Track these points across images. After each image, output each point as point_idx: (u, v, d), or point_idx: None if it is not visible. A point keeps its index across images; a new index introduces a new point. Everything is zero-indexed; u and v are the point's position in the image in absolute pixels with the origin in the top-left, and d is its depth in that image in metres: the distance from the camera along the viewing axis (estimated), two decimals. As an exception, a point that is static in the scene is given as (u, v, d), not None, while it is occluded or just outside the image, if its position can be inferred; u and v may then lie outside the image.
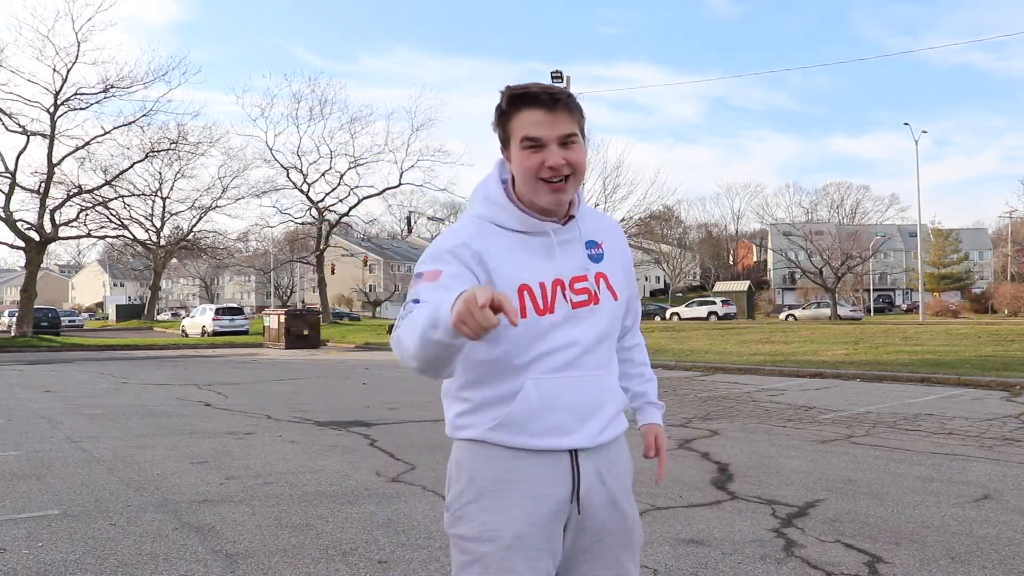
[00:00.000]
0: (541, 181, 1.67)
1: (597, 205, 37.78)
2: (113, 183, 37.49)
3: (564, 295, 1.72)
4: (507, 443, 1.70)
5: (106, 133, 35.41)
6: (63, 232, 36.16)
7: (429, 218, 66.09)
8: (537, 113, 1.67)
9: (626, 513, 1.83)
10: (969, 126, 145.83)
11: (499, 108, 1.71)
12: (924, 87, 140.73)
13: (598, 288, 1.77)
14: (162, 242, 48.94)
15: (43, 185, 33.79)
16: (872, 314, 63.61)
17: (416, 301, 1.57)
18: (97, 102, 35.11)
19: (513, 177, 1.77)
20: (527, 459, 1.71)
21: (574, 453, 1.73)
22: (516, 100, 1.69)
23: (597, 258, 1.80)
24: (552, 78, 26.55)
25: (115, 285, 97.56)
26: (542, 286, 1.70)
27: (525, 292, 1.68)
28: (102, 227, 40.10)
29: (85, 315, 71.22)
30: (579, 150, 1.70)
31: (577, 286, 1.74)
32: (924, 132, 43.86)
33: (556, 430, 1.71)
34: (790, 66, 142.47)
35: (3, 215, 31.96)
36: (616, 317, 1.82)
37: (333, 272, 49.34)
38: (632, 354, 2.01)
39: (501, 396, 1.70)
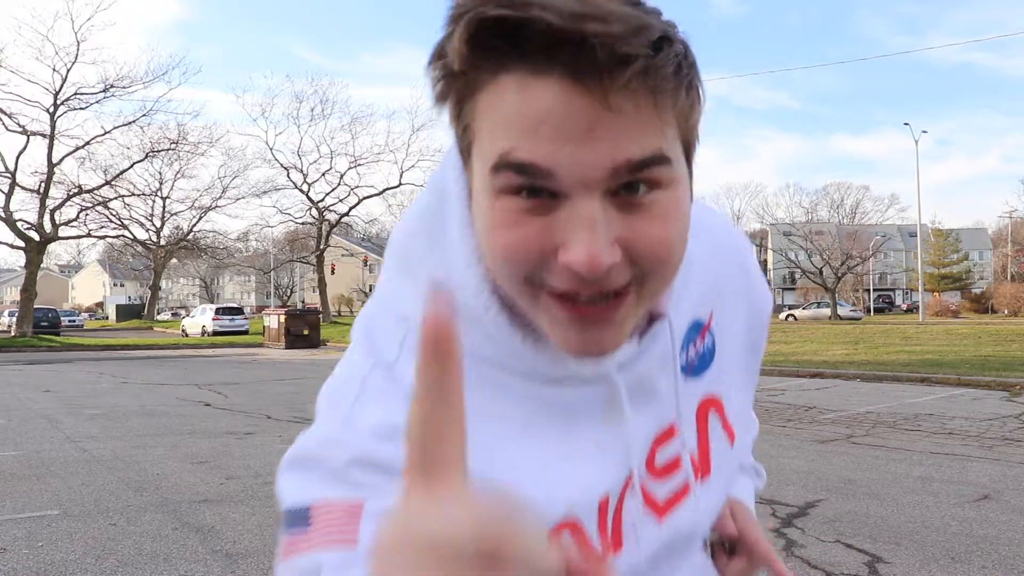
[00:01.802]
0: (543, 294, 0.58)
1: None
2: (113, 183, 37.52)
3: (638, 499, 0.72)
4: None
5: (106, 133, 35.45)
6: (63, 232, 36.19)
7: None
8: (548, 93, 0.52)
9: None
10: (971, 126, 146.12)
11: (442, 57, 0.55)
12: (927, 86, 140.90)
13: (702, 440, 0.77)
14: (162, 242, 48.95)
15: (43, 185, 33.81)
16: (872, 314, 63.61)
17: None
18: (97, 102, 35.25)
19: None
20: None
21: None
22: (490, 46, 0.52)
23: (701, 364, 0.77)
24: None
25: (115, 285, 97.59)
26: (603, 509, 0.69)
27: (566, 534, 0.67)
28: (102, 227, 40.12)
29: (85, 315, 71.29)
30: (666, 204, 0.56)
31: (662, 458, 0.73)
32: (924, 132, 43.87)
33: None
34: (793, 65, 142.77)
35: (3, 215, 31.97)
36: (729, 482, 0.82)
37: (333, 272, 49.36)
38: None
39: None
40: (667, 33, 0.53)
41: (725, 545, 0.87)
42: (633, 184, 0.54)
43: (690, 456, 0.75)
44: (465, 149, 0.60)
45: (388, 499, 0.52)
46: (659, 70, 0.52)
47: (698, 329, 0.76)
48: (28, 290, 33.28)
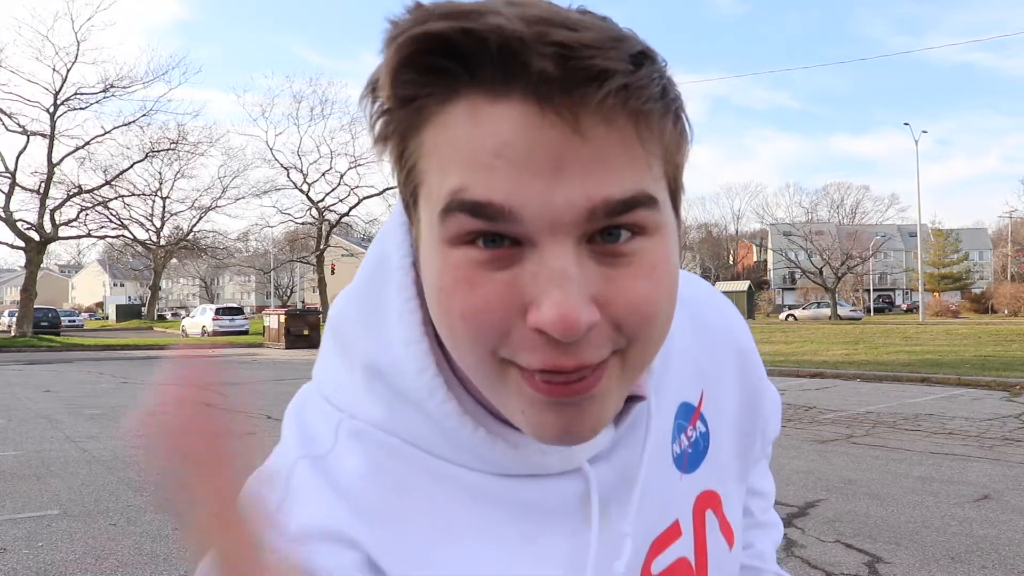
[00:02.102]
0: (511, 370, 0.47)
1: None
2: (113, 183, 37.54)
3: None
4: None
5: (106, 133, 35.49)
6: (63, 232, 36.20)
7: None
8: (506, 118, 0.43)
9: None
10: (971, 126, 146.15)
11: (374, 89, 0.47)
12: (927, 86, 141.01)
13: (698, 541, 0.66)
14: (162, 242, 48.97)
15: (43, 185, 33.83)
16: (872, 314, 63.63)
17: None
18: (97, 102, 35.27)
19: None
20: None
21: None
22: (435, 67, 0.44)
23: (695, 454, 0.66)
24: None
25: (115, 285, 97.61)
26: None
27: None
28: (102, 227, 40.14)
29: (85, 315, 71.34)
30: (652, 255, 0.47)
31: (660, 566, 0.62)
32: (924, 132, 43.88)
33: None
34: (793, 65, 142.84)
35: (3, 215, 31.99)
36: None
37: (333, 272, 49.36)
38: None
39: None
40: (647, 49, 0.45)
41: None
42: (613, 229, 0.45)
43: (688, 562, 0.64)
44: (411, 197, 0.50)
45: None
46: (642, 89, 0.43)
47: (689, 414, 0.65)
48: (28, 290, 33.28)
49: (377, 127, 0.47)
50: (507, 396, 0.49)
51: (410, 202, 0.50)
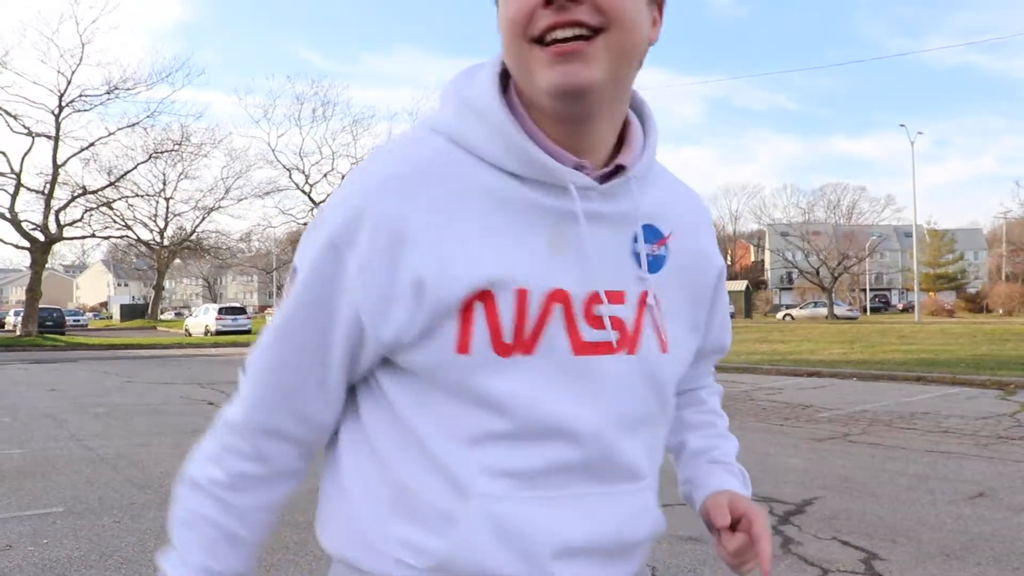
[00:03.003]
0: (533, 45, 0.80)
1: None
2: (117, 184, 37.50)
3: (569, 324, 0.85)
4: None
5: (110, 134, 35.39)
6: (68, 232, 36.15)
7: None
8: None
9: None
10: (968, 127, 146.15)
11: None
12: (924, 88, 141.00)
13: (638, 322, 0.89)
14: (165, 242, 48.92)
15: (48, 186, 33.77)
16: (868, 314, 63.69)
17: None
18: (101, 104, 35.24)
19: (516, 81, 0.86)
20: None
21: None
22: None
23: (654, 263, 0.91)
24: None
25: (119, 285, 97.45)
26: (522, 296, 0.83)
27: (481, 305, 0.82)
28: (106, 227, 40.12)
29: (89, 314, 71.08)
30: None
31: (600, 311, 0.86)
32: (920, 133, 44.03)
33: None
34: (792, 67, 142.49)
35: (9, 216, 31.94)
36: (661, 384, 0.92)
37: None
38: (698, 394, 1.15)
39: (425, 516, 0.86)
40: None
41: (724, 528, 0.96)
42: None
43: (625, 324, 0.87)
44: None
45: (313, 318, 0.87)
46: None
47: (656, 236, 0.91)
48: (33, 290, 33.25)
49: None
50: (532, 70, 0.80)
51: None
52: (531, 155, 0.81)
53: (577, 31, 0.77)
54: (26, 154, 32.94)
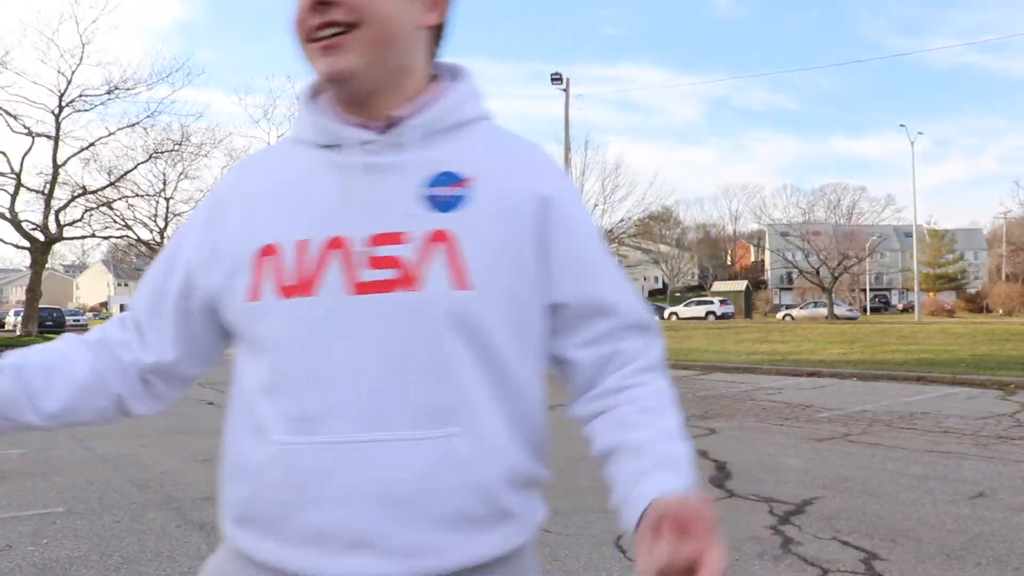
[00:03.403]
0: (309, 43, 0.97)
1: (596, 206, 37.27)
2: (117, 184, 37.48)
3: (346, 266, 0.94)
4: (249, 552, 0.97)
5: (110, 134, 35.39)
6: (68, 232, 36.12)
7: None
8: None
9: None
10: (969, 127, 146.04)
11: None
12: (925, 88, 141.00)
13: (422, 260, 0.92)
14: (165, 242, 48.88)
15: (48, 186, 33.76)
16: (868, 314, 63.74)
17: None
18: (101, 103, 35.15)
19: None
20: None
21: None
22: None
23: (448, 204, 0.95)
24: (552, 80, 26.56)
25: (119, 285, 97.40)
26: (303, 246, 0.95)
27: (270, 259, 0.96)
28: (106, 227, 40.07)
29: (89, 315, 71.06)
30: None
31: (379, 252, 0.93)
32: (920, 133, 44.16)
33: (319, 540, 0.92)
34: (792, 67, 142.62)
35: (8, 216, 31.93)
36: (465, 320, 0.92)
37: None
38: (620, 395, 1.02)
39: (241, 468, 0.99)
40: None
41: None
42: None
43: (403, 261, 0.93)
44: None
45: (160, 280, 1.11)
46: None
47: (452, 179, 0.97)
48: (33, 290, 33.27)
49: None
50: (312, 63, 0.97)
51: None
52: (322, 124, 1.00)
53: (335, 29, 0.94)
54: (26, 154, 32.95)
